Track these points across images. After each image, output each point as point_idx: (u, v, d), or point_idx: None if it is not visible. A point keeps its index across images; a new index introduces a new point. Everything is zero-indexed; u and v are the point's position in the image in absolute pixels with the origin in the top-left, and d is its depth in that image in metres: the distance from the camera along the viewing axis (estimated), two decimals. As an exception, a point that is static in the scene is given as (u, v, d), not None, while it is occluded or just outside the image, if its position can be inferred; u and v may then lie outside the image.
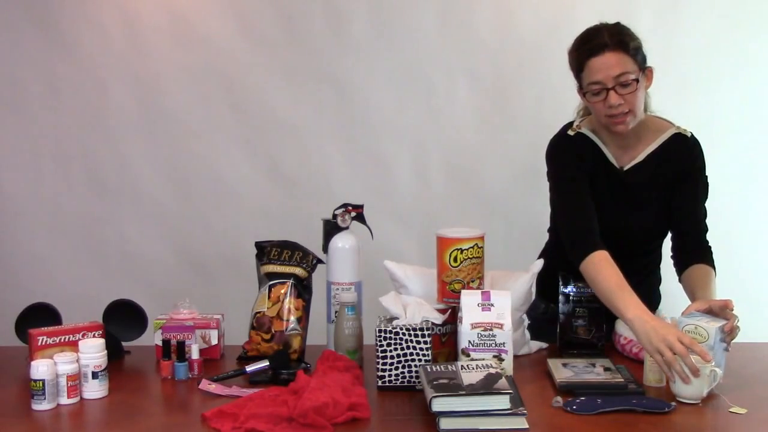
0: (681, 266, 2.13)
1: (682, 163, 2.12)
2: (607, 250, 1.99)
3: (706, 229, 2.17)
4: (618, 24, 2.05)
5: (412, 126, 3.01)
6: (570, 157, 2.13)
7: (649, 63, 3.07)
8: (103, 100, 3.01)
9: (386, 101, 3.00)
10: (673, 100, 2.93)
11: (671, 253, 2.18)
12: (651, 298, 2.27)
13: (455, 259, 1.96)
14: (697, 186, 2.15)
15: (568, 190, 2.12)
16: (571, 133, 2.16)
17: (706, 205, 2.16)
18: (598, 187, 2.11)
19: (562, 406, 1.70)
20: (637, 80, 1.99)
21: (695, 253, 2.12)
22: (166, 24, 2.97)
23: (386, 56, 2.98)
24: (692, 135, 2.15)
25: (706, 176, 2.16)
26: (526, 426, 1.58)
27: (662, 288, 2.83)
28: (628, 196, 2.12)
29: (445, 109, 3.00)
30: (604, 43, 1.99)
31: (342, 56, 2.98)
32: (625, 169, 2.12)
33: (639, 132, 2.10)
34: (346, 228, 2.10)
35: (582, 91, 2.06)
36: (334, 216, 2.10)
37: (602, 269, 1.96)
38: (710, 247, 2.15)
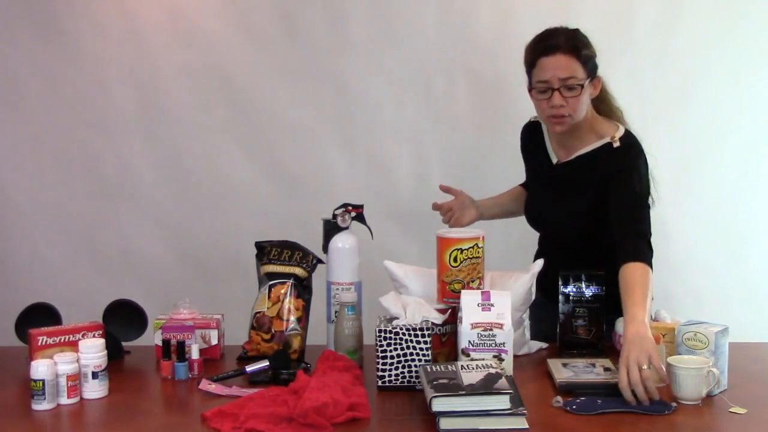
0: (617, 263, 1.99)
1: (604, 169, 2.11)
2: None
3: (641, 230, 2.03)
4: (577, 30, 2.12)
5: (412, 126, 3.01)
6: (523, 148, 2.38)
7: (648, 63, 3.07)
8: (103, 99, 3.00)
9: (386, 101, 3.00)
10: (673, 100, 2.95)
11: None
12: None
13: (455, 259, 1.96)
14: (620, 187, 2.08)
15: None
16: (533, 119, 2.33)
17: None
18: (537, 178, 2.33)
19: (562, 406, 1.70)
20: (582, 86, 2.06)
21: (626, 249, 1.99)
22: (166, 24, 2.97)
23: (386, 56, 2.97)
24: (620, 143, 2.13)
25: (635, 180, 2.09)
26: (526, 426, 1.58)
27: (662, 288, 2.82)
28: (557, 188, 2.23)
29: (445, 109, 3.00)
30: (558, 44, 2.07)
31: (342, 56, 2.98)
32: (556, 164, 2.24)
33: (581, 134, 2.17)
34: (346, 228, 2.10)
35: (530, 87, 2.13)
36: (334, 216, 2.10)
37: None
38: (648, 244, 2.02)
